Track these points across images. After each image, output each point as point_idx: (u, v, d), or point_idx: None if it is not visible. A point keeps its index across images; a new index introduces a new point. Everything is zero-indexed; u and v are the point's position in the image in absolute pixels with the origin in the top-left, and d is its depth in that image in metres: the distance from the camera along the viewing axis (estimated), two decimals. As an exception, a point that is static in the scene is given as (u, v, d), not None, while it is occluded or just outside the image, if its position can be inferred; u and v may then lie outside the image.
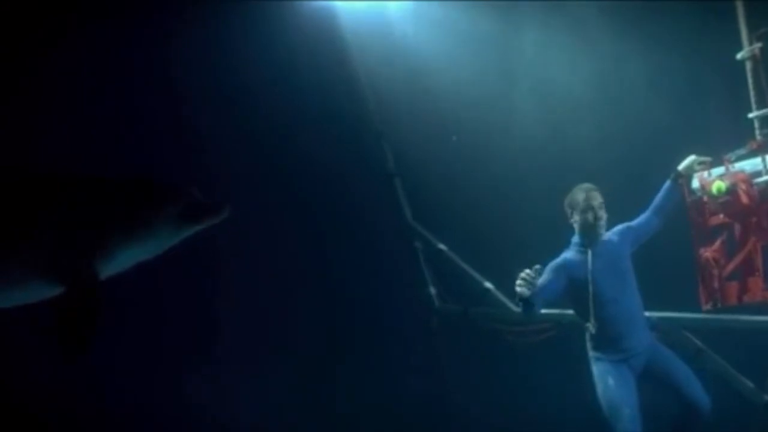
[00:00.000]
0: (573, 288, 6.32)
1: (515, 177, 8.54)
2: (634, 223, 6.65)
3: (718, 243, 6.77)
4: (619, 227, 6.60)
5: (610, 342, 6.29)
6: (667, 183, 6.72)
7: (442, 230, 9.29)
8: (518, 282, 5.79)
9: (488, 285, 8.81)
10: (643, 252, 6.65)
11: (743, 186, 6.67)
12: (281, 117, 8.65)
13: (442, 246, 9.24)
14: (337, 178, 8.97)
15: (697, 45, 7.70)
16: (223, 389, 8.28)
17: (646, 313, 6.75)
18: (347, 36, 9.14)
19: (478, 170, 8.75)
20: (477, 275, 8.92)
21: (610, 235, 6.50)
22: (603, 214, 6.37)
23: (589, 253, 6.29)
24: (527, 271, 5.80)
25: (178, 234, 5.15)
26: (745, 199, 6.65)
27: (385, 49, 9.02)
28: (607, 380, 6.26)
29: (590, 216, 6.33)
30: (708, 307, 6.77)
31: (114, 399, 7.79)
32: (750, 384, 7.35)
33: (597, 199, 6.38)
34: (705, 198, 6.78)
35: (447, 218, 9.20)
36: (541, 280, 6.08)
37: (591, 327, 6.24)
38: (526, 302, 5.88)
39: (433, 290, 9.38)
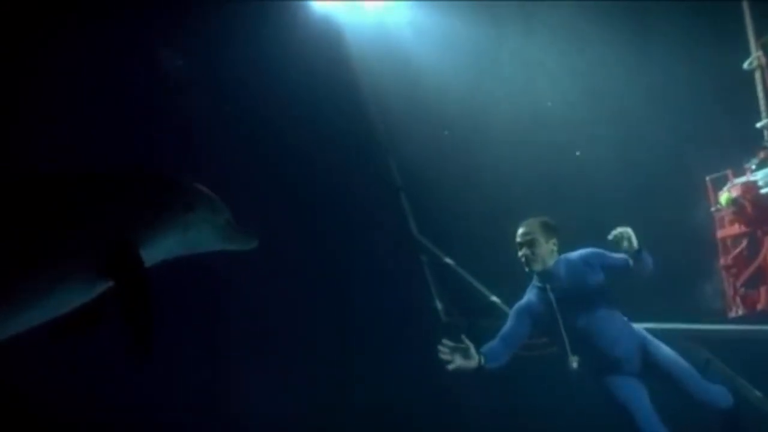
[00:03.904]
0: (543, 327, 6.19)
1: (521, 191, 8.58)
2: (611, 257, 6.12)
3: (736, 252, 6.84)
4: (589, 251, 6.19)
5: (596, 363, 6.14)
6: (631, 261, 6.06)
7: (448, 244, 9.32)
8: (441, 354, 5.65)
9: (494, 299, 8.80)
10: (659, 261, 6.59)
11: (748, 196, 6.75)
12: (289, 132, 8.73)
13: (448, 260, 9.24)
14: (344, 192, 9.03)
15: (700, 53, 7.79)
16: (235, 392, 8.35)
17: (654, 325, 6.78)
18: (353, 53, 9.23)
19: (484, 184, 8.79)
20: (483, 289, 8.92)
21: (572, 259, 6.17)
22: (537, 249, 6.05)
23: (548, 288, 6.08)
24: (445, 342, 5.65)
25: (208, 244, 5.27)
26: (750, 209, 6.72)
27: (390, 64, 9.11)
28: (608, 392, 6.12)
29: (522, 251, 6.11)
30: (731, 314, 6.84)
31: (127, 397, 7.83)
32: (758, 393, 7.35)
33: (526, 235, 6.10)
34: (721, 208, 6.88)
35: (453, 232, 9.24)
36: (505, 328, 6.06)
37: (573, 362, 6.08)
38: (479, 367, 5.73)
39: (439, 304, 9.37)
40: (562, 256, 6.19)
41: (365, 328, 8.93)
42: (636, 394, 6.10)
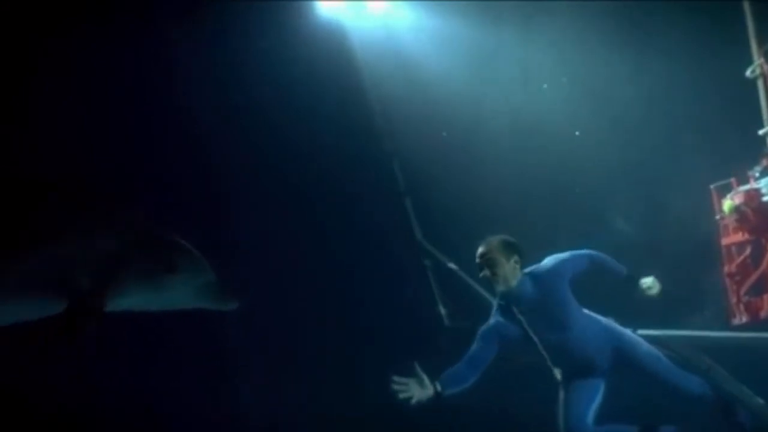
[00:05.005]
0: (518, 347, 5.99)
1: (524, 195, 8.59)
2: (569, 258, 6.03)
3: (740, 259, 6.84)
4: (558, 262, 6.01)
5: (572, 367, 6.03)
6: (623, 276, 6.16)
7: (452, 249, 9.32)
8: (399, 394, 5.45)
9: (498, 303, 8.79)
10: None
11: (750, 204, 6.76)
12: (293, 137, 8.77)
13: (452, 265, 9.23)
14: (348, 195, 9.06)
15: (703, 59, 7.79)
16: (238, 396, 8.39)
17: (657, 332, 6.76)
18: (359, 58, 9.26)
19: (487, 188, 8.80)
20: (487, 294, 8.90)
21: (539, 273, 5.97)
22: (498, 269, 5.85)
23: (515, 310, 5.88)
24: (396, 379, 5.45)
25: (183, 305, 5.30)
26: (752, 217, 6.73)
27: (395, 70, 9.14)
28: (561, 391, 6.06)
29: (482, 273, 5.95)
30: (735, 322, 6.84)
31: (129, 399, 7.90)
32: (761, 401, 7.31)
33: (484, 256, 5.92)
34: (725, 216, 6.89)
35: (457, 237, 9.24)
36: (471, 350, 5.85)
37: (557, 374, 6.01)
38: (438, 395, 5.53)
39: (442, 309, 9.36)
40: (527, 271, 5.98)
41: (368, 332, 8.94)
42: (579, 399, 5.98)
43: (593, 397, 5.99)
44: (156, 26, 8.36)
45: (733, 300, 7.00)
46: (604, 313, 6.19)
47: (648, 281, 6.08)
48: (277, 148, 8.78)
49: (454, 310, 9.22)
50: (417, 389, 5.48)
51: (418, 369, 5.54)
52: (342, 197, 9.08)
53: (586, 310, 6.11)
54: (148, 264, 5.14)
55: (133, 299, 5.19)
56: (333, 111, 8.91)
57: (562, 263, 6.00)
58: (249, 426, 8.63)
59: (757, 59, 7.06)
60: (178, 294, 5.31)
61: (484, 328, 5.98)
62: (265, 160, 8.85)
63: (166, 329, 7.84)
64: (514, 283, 5.91)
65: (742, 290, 7.02)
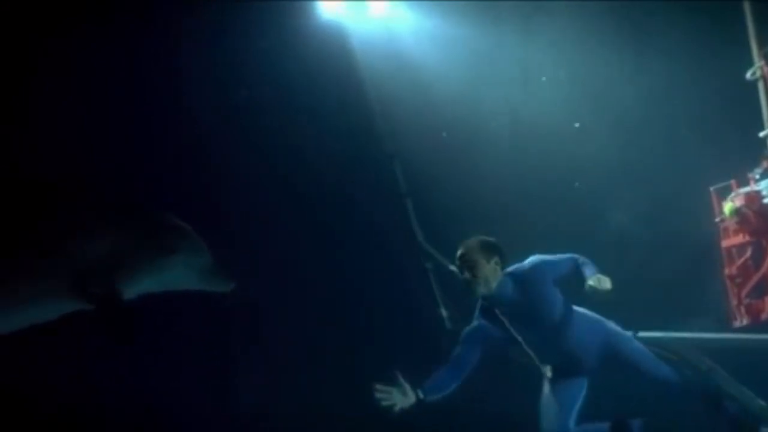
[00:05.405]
0: (502, 347, 5.95)
1: (525, 195, 8.59)
2: (552, 259, 5.89)
3: (740, 261, 6.85)
4: (539, 262, 5.88)
5: (558, 366, 5.98)
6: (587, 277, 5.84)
7: (453, 251, 9.30)
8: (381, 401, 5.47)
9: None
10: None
11: (751, 206, 6.76)
12: (294, 138, 8.76)
13: (453, 267, 9.21)
14: (349, 198, 9.05)
15: (703, 61, 7.80)
16: (238, 395, 8.40)
17: (658, 334, 6.76)
18: (359, 59, 9.25)
19: (488, 189, 8.79)
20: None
21: (520, 273, 5.84)
22: (478, 271, 5.75)
23: (497, 311, 5.79)
24: (379, 387, 5.45)
25: (185, 285, 5.33)
26: (753, 219, 6.73)
27: (395, 71, 9.14)
28: (545, 387, 6.02)
29: (463, 276, 5.87)
30: (736, 324, 6.84)
31: (130, 398, 7.91)
32: (762, 402, 7.31)
33: (464, 258, 5.86)
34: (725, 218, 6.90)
35: (458, 238, 9.23)
36: (454, 352, 5.79)
37: (547, 372, 5.95)
38: (420, 401, 5.51)
39: (444, 311, 9.34)
40: (508, 272, 5.87)
41: (369, 334, 8.93)
42: (563, 399, 5.92)
43: (576, 397, 5.96)
44: (156, 26, 8.36)
45: (734, 302, 7.01)
46: (606, 316, 6.19)
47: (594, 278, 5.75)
48: (277, 149, 8.79)
49: (455, 313, 9.20)
50: (399, 397, 5.48)
51: (400, 377, 5.53)
52: (342, 198, 9.07)
53: (577, 308, 6.01)
54: (150, 249, 5.22)
55: (140, 286, 5.24)
56: (333, 112, 8.91)
57: (544, 263, 5.90)
58: (249, 426, 8.62)
59: (758, 61, 7.05)
60: (179, 274, 5.38)
61: (466, 330, 5.92)
62: (266, 160, 8.85)
63: (167, 329, 7.86)
64: (494, 285, 5.81)
65: (743, 292, 7.03)
